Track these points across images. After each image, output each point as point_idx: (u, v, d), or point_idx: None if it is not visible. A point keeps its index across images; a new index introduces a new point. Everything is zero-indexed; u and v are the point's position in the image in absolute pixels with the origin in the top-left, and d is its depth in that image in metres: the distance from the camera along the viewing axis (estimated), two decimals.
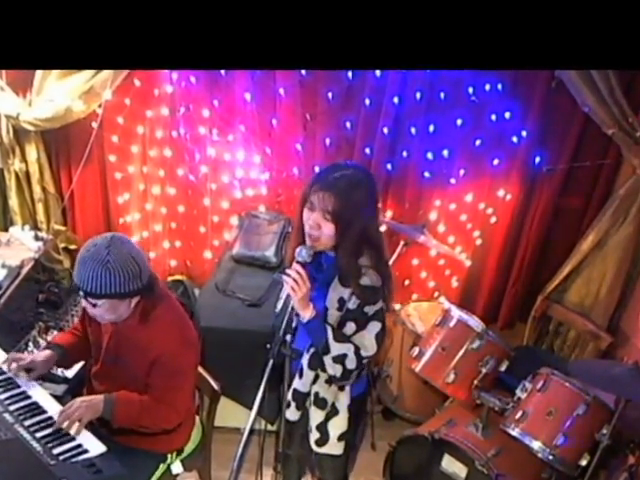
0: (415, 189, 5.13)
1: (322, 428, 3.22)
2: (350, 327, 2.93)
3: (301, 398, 3.23)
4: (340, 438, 3.24)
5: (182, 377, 3.21)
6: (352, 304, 2.89)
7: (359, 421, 3.36)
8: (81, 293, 2.97)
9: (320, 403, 3.17)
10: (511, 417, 3.75)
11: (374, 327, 2.93)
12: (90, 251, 2.91)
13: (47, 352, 3.32)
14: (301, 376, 3.18)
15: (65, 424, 2.94)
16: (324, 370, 3.00)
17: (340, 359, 2.91)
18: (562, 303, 5.07)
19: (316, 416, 3.21)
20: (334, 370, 2.95)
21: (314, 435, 3.25)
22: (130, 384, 3.19)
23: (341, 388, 3.15)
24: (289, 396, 3.26)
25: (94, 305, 2.98)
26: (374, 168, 4.96)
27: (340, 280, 2.92)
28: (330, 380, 3.09)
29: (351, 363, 2.92)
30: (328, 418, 3.20)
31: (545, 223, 5.15)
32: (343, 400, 3.17)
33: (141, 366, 3.14)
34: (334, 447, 3.26)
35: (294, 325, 3.10)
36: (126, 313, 3.08)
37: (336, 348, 2.90)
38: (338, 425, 3.21)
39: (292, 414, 3.28)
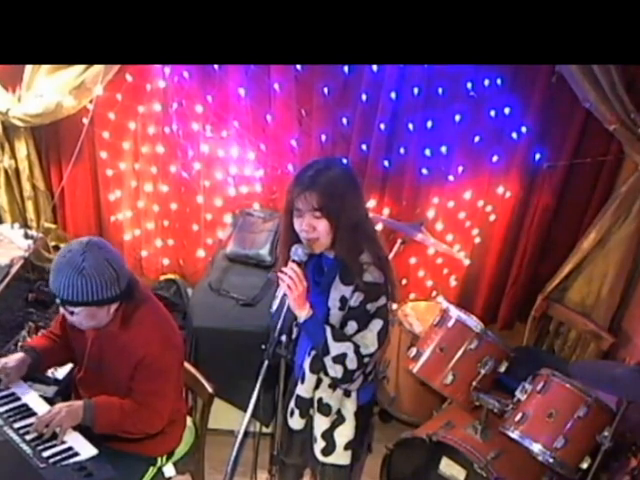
0: (413, 186, 5.12)
1: (328, 436, 3.19)
2: (352, 326, 2.91)
3: (305, 405, 3.21)
4: (347, 447, 3.21)
5: (164, 380, 3.18)
6: (354, 301, 2.89)
7: (366, 431, 3.33)
8: (57, 301, 2.95)
9: (324, 409, 3.15)
10: (511, 419, 3.74)
11: (376, 325, 2.92)
12: (65, 257, 2.88)
13: (20, 355, 3.28)
14: (303, 381, 3.16)
15: (44, 431, 2.94)
16: (326, 373, 2.98)
17: (340, 359, 2.89)
18: (563, 303, 5.08)
19: (321, 423, 3.19)
20: (335, 371, 2.93)
21: (319, 444, 3.22)
22: (115, 390, 3.18)
23: (347, 394, 3.12)
24: (292, 403, 3.25)
25: (72, 313, 2.97)
26: (370, 165, 4.97)
27: (341, 278, 2.91)
28: (333, 384, 3.08)
29: (352, 363, 2.90)
30: (334, 426, 3.17)
31: (545, 221, 5.15)
32: (349, 407, 3.15)
33: (124, 371, 3.13)
34: (340, 457, 3.23)
35: (294, 336, 3.12)
36: (106, 319, 3.06)
37: (335, 348, 2.88)
38: (345, 433, 3.19)
39: (296, 422, 3.27)
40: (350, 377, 2.95)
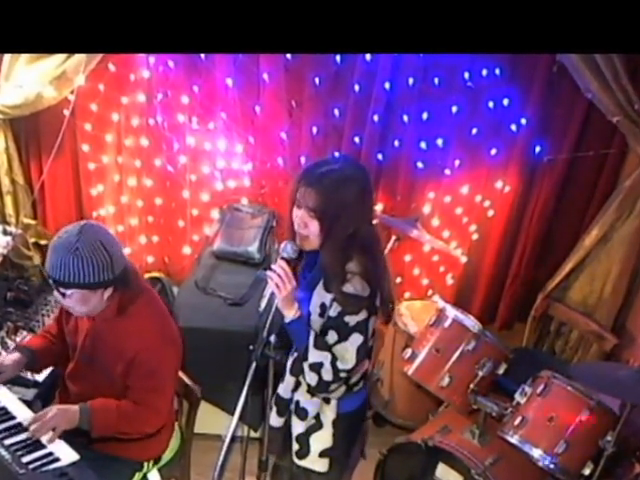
0: (407, 180, 5.13)
1: (302, 440, 3.21)
2: (332, 336, 2.91)
3: (283, 404, 3.24)
4: (322, 454, 3.21)
5: (162, 377, 3.19)
6: (333, 311, 2.89)
7: (352, 440, 3.32)
8: (51, 282, 2.96)
9: (300, 413, 3.17)
10: (510, 423, 3.74)
11: (356, 340, 2.90)
12: (61, 238, 2.91)
13: (15, 355, 3.29)
14: (283, 380, 3.20)
15: (39, 432, 2.93)
16: (304, 377, 3.00)
17: (316, 367, 2.91)
18: (564, 302, 5.08)
19: (296, 426, 3.21)
20: (310, 378, 2.95)
21: (294, 446, 3.24)
22: (105, 385, 3.18)
23: (326, 401, 3.13)
24: (272, 400, 3.26)
25: (64, 295, 2.97)
26: (364, 158, 4.97)
27: (324, 284, 2.92)
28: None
29: (327, 374, 2.91)
30: (310, 431, 3.18)
31: (546, 217, 5.16)
32: (328, 414, 3.15)
33: (117, 366, 3.13)
34: (316, 463, 3.23)
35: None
36: (100, 306, 3.06)
37: (314, 355, 2.90)
38: (321, 440, 3.19)
39: (275, 420, 3.28)
40: (325, 387, 2.97)
